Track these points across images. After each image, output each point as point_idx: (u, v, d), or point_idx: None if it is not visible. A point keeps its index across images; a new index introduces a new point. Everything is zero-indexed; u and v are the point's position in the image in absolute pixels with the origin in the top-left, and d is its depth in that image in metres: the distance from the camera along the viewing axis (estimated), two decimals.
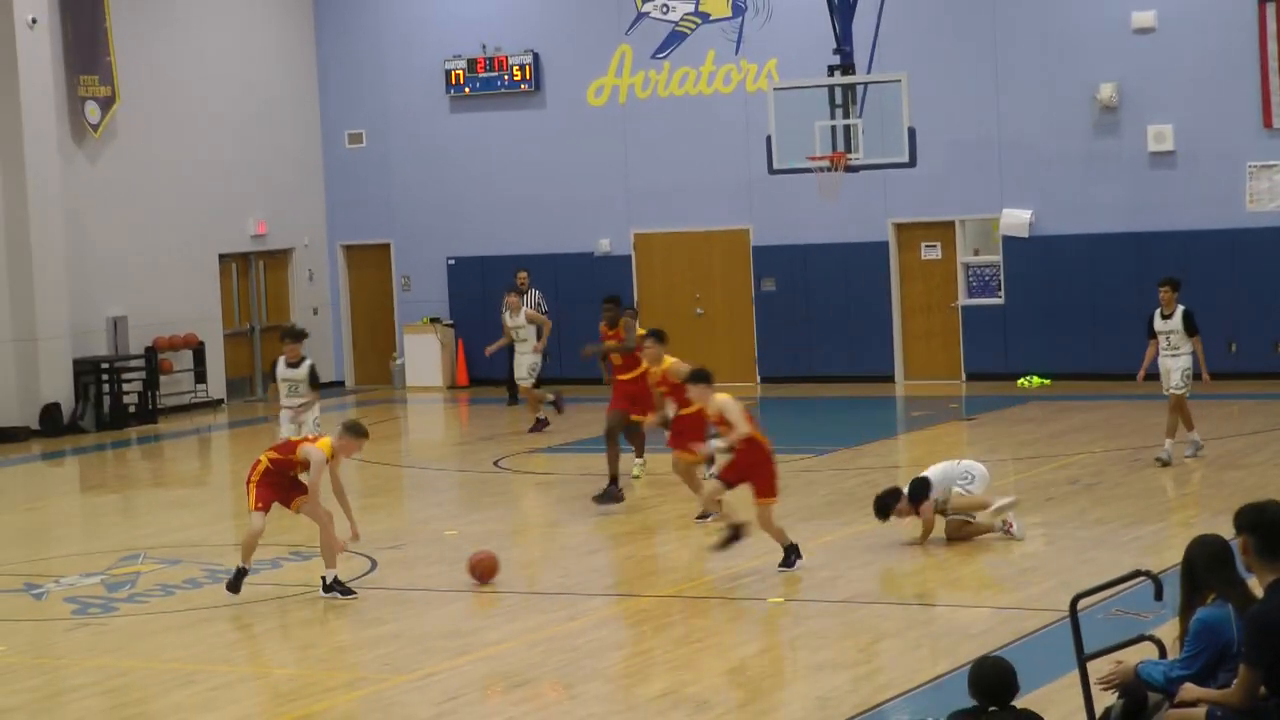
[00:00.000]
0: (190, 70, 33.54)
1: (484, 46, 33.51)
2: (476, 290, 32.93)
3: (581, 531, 20.73)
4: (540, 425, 27.08)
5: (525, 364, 27.15)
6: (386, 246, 35.14)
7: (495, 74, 33.50)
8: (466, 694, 12.91)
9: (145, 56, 32.60)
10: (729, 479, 15.59)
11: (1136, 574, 8.20)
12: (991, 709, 7.45)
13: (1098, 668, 7.61)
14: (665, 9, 31.78)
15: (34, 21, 29.93)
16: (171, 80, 33.15)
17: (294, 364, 21.67)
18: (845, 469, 22.81)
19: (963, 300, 29.84)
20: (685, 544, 19.08)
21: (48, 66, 30.45)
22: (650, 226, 32.91)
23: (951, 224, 29.95)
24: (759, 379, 31.40)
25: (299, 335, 21.09)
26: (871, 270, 30.80)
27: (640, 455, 22.12)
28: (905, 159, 26.82)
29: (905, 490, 16.68)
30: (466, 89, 33.96)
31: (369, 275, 35.75)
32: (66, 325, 30.59)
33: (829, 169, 27.09)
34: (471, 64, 33.53)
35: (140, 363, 31.66)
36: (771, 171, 27.79)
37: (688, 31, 31.96)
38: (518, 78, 33.30)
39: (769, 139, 27.37)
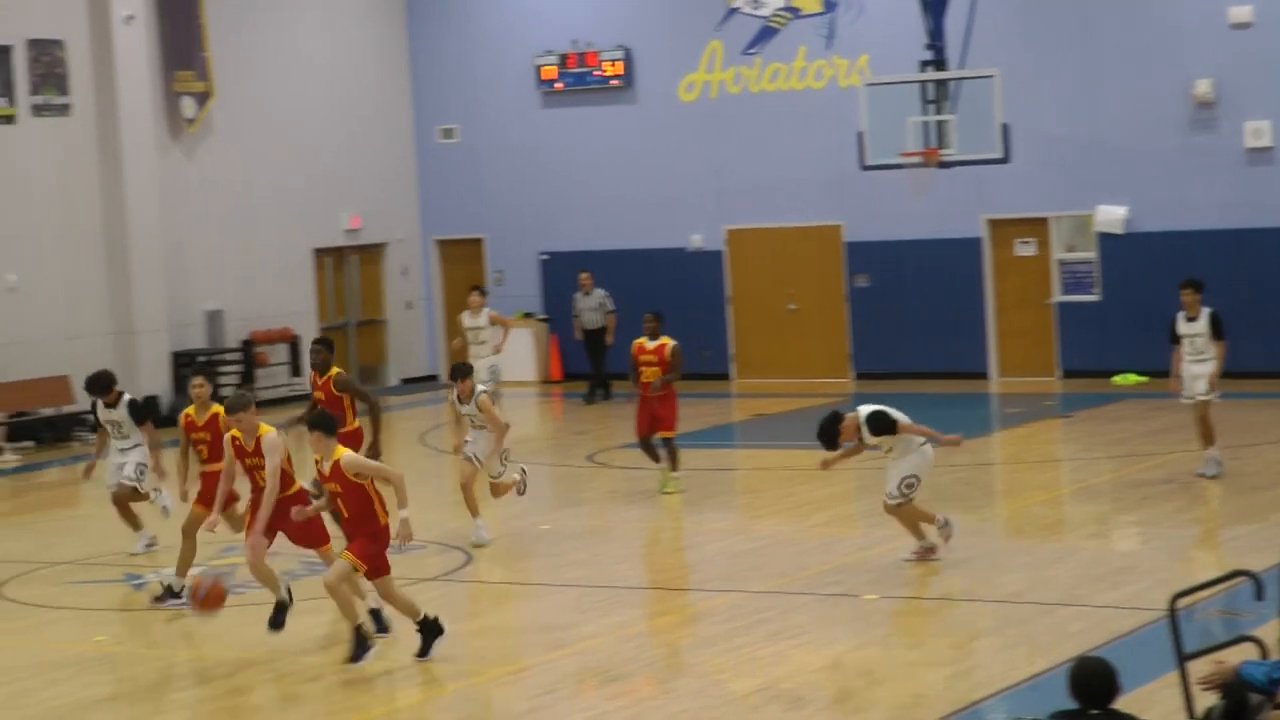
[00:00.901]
0: (284, 66, 33.95)
1: (575, 43, 33.69)
2: (569, 285, 32.65)
3: (674, 527, 20.88)
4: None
5: (484, 366, 26.74)
6: (479, 241, 35.36)
7: (586, 70, 33.67)
8: (561, 688, 12.98)
9: (240, 52, 32.98)
10: None
11: (1237, 574, 8.19)
12: (1093, 711, 7.27)
13: (1198, 668, 7.57)
14: (756, 4, 31.73)
15: (131, 18, 30.39)
16: (266, 76, 33.56)
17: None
18: (938, 465, 22.65)
19: (1057, 297, 29.76)
20: (779, 541, 18.86)
21: (144, 62, 30.84)
22: (743, 222, 32.76)
23: (1046, 220, 29.85)
24: (853, 374, 31.34)
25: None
26: (965, 266, 30.72)
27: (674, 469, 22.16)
28: (998, 155, 26.88)
29: (864, 420, 16.34)
30: (558, 85, 34.12)
31: (462, 270, 35.58)
32: (164, 319, 31.00)
33: (921, 165, 27.17)
34: (563, 60, 33.74)
35: (237, 356, 32.21)
36: (864, 168, 27.88)
37: (779, 27, 31.84)
38: (609, 73, 33.38)
39: (861, 135, 27.48)
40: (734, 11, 31.96)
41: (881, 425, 15.98)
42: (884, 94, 28.32)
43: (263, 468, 14.31)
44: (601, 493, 23.14)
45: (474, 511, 18.13)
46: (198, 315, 31.94)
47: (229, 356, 32.23)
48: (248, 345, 32.47)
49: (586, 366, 31.53)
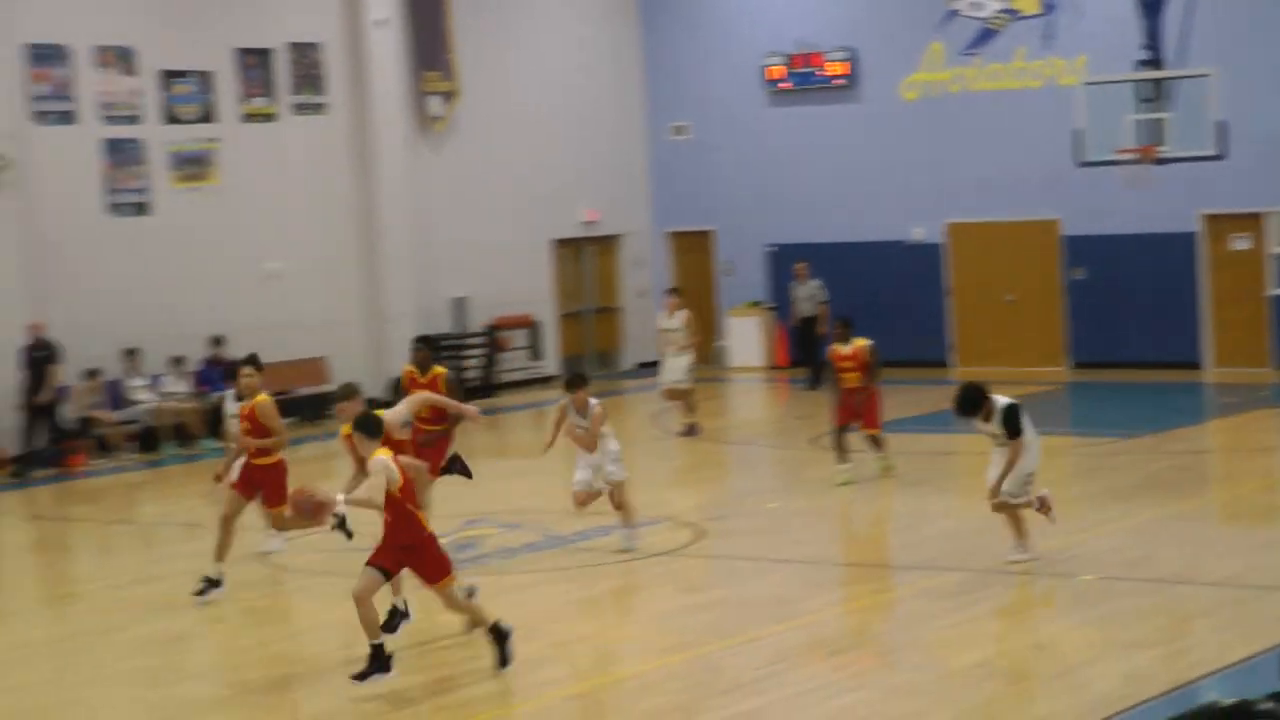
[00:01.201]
0: (525, 66, 34.95)
1: (800, 44, 34.28)
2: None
3: (894, 508, 21.44)
4: (691, 430, 27.41)
5: (680, 365, 27.46)
6: (709, 234, 36.29)
7: (811, 70, 34.33)
8: (788, 658, 13.52)
9: (483, 54, 34.10)
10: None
11: None
12: None
13: None
14: (976, 6, 32.13)
15: (382, 22, 31.90)
16: (507, 76, 34.62)
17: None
18: (1154, 453, 22.88)
19: (1273, 290, 29.81)
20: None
21: (394, 64, 32.34)
22: (963, 216, 33.16)
23: (1262, 216, 29.91)
24: (1069, 364, 31.57)
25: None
26: (1180, 260, 30.82)
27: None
28: (1214, 152, 27.40)
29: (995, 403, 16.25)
30: (784, 84, 34.76)
31: (693, 260, 36.80)
32: (413, 305, 32.28)
33: (1138, 162, 27.96)
34: (789, 60, 34.43)
35: (480, 340, 33.50)
36: (1080, 164, 28.65)
37: (998, 29, 32.33)
38: (833, 74, 33.99)
39: (1078, 133, 28.32)
40: (954, 14, 32.45)
41: (1012, 422, 16.05)
42: (1101, 93, 29.09)
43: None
44: (823, 475, 22.98)
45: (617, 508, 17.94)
46: (444, 302, 33.24)
47: (472, 341, 33.50)
48: (490, 330, 33.70)
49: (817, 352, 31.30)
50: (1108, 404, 29.71)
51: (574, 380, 17.92)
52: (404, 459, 13.32)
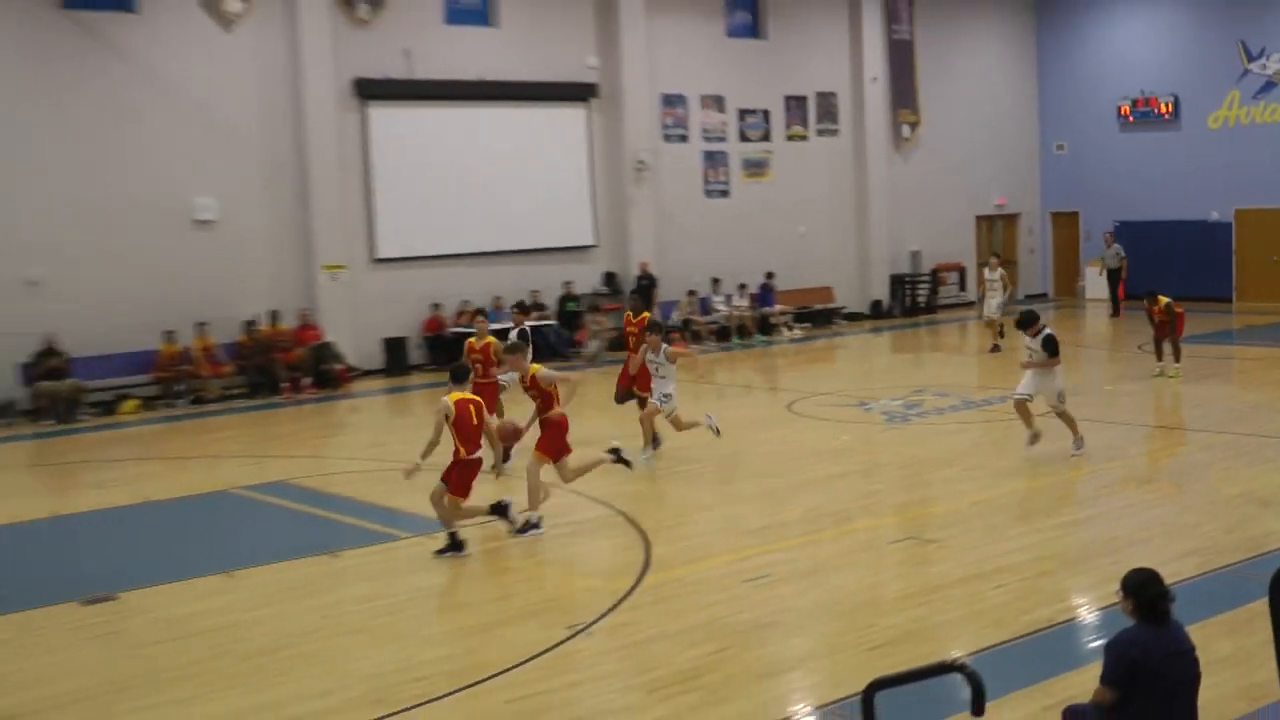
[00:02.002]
0: (960, 103, 42.07)
1: (1142, 91, 40.75)
2: (1133, 243, 38.97)
3: (1190, 392, 24.08)
4: (995, 349, 30.01)
5: (995, 304, 30.77)
6: (1075, 214, 43.05)
7: (1149, 109, 40.49)
8: (1111, 486, 16.50)
9: (935, 96, 41.58)
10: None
11: None
12: None
13: None
14: (1262, 66, 37.71)
15: (875, 79, 39.84)
16: (949, 110, 41.71)
17: None
18: None
19: None
20: (1260, 405, 21.99)
21: (881, 105, 40.25)
22: (1246, 204, 38.45)
23: None
24: None
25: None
26: None
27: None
28: None
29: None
30: (1130, 119, 40.88)
31: (1065, 232, 43.68)
32: (886, 254, 40.28)
33: None
34: (1134, 102, 40.92)
35: (927, 278, 40.60)
36: None
37: (1277, 82, 37.56)
38: (1163, 111, 40.08)
39: None
40: (1247, 72, 38.16)
41: (1050, 345, 17.98)
42: None
43: (538, 398, 16.01)
44: (1142, 371, 26.08)
45: (645, 440, 19.50)
46: (905, 253, 40.90)
47: (923, 278, 40.50)
48: (934, 272, 40.86)
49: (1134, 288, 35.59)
50: None
51: (1026, 318, 18.52)
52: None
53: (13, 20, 27.31)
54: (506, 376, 19.39)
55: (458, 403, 14.25)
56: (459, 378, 15.01)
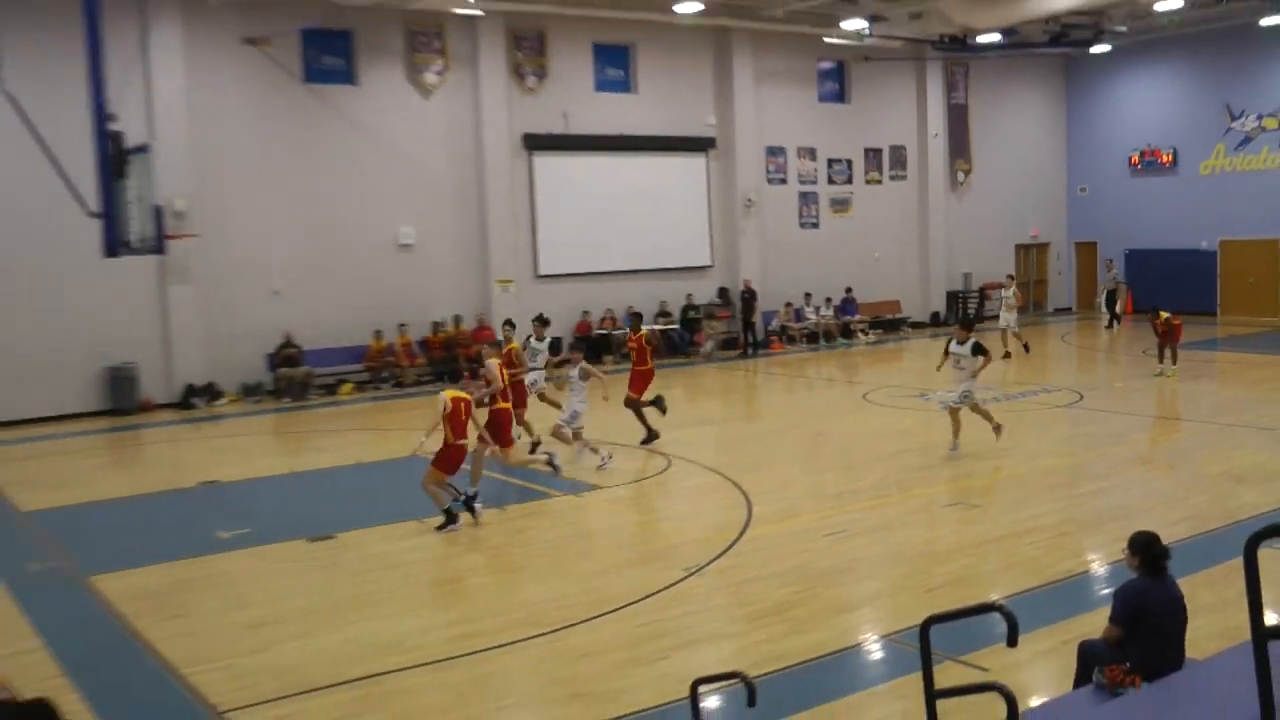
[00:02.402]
0: (1002, 154, 41.27)
1: (1148, 145, 39.87)
2: (1140, 268, 39.23)
3: (1183, 389, 23.36)
4: (1007, 356, 28.28)
5: (1011, 318, 29.74)
6: (1094, 243, 42.04)
7: (1154, 159, 39.87)
8: (1124, 466, 16.20)
9: (983, 147, 40.72)
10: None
11: None
12: None
13: None
14: (1242, 124, 36.64)
15: (935, 135, 38.95)
16: (994, 159, 41.04)
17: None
18: None
19: None
20: (1245, 400, 21.62)
21: (941, 156, 39.28)
22: (1230, 235, 37.32)
23: None
24: None
25: (543, 321, 20.77)
26: None
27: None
28: None
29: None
30: (1138, 166, 40.34)
31: (1086, 258, 42.57)
32: (944, 274, 39.60)
33: None
34: (1142, 153, 40.16)
35: (976, 294, 39.80)
36: None
37: (1254, 137, 36.71)
38: (1164, 160, 39.32)
39: None
40: (1230, 129, 37.62)
41: (979, 350, 16.93)
42: None
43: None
44: (1145, 370, 25.59)
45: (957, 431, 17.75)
46: (959, 273, 40.03)
47: (972, 294, 39.45)
48: (981, 289, 39.80)
49: (1114, 308, 36.15)
50: None
51: (967, 320, 18.26)
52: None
53: (268, 92, 28.35)
54: (531, 377, 18.72)
55: (453, 399, 13.89)
56: (454, 379, 14.85)
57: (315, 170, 29.28)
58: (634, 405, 18.39)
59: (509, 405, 15.63)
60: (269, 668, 9.90)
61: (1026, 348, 28.70)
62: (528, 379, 18.49)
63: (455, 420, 13.73)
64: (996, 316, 35.51)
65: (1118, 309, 36.54)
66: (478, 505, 14.07)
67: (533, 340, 19.37)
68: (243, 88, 28.27)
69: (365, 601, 11.49)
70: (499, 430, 15.34)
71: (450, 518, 13.79)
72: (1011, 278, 31.73)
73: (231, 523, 14.74)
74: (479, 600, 11.48)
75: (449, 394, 13.81)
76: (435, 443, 13.82)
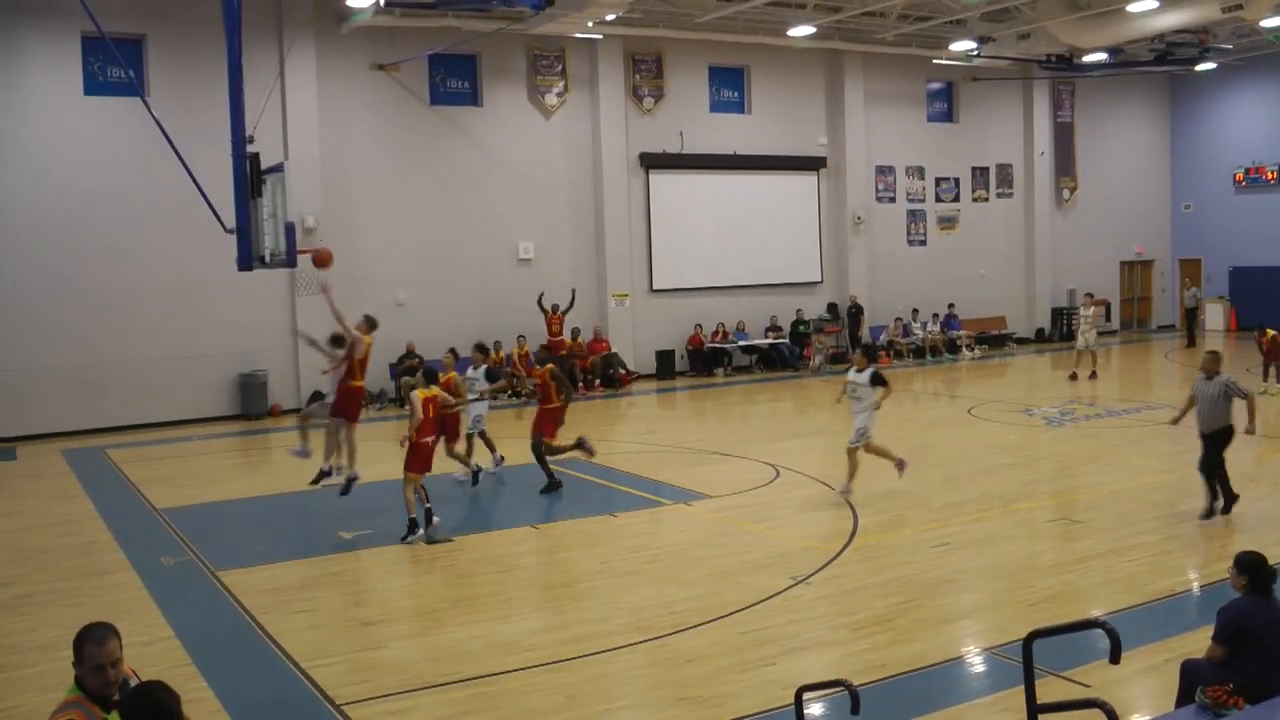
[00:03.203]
0: (1108, 169, 40.92)
1: (1254, 162, 39.45)
2: (1246, 284, 38.86)
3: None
4: (1073, 377, 27.36)
5: (1090, 337, 28.37)
6: (1199, 260, 41.48)
7: (1259, 175, 38.96)
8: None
9: (1089, 164, 40.31)
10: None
11: None
12: None
13: None
14: None
15: (1042, 153, 38.88)
16: (1099, 175, 40.65)
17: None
18: None
19: None
20: None
21: (1047, 173, 38.80)
22: None
23: None
24: None
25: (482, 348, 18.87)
26: None
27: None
28: None
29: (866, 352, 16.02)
30: (1243, 183, 39.41)
31: (1190, 274, 41.59)
32: (1049, 290, 39.40)
33: None
34: (1247, 170, 39.46)
35: (1074, 310, 36.46)
36: None
37: None
38: (1269, 177, 38.48)
39: None
40: None
41: (877, 380, 15.59)
42: None
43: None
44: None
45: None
46: (1064, 290, 39.28)
47: (1076, 311, 34.66)
48: (1071, 301, 38.73)
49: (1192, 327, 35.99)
50: None
51: (869, 350, 17.80)
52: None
53: (395, 114, 28.99)
54: (474, 413, 17.84)
55: (424, 399, 13.82)
56: (429, 376, 14.65)
57: (439, 188, 29.75)
58: (538, 450, 16.64)
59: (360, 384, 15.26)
60: (386, 664, 9.99)
61: (1094, 374, 27.59)
62: (472, 414, 17.63)
63: (425, 418, 13.65)
64: (1103, 333, 35.63)
65: (1196, 329, 36.06)
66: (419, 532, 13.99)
67: (470, 369, 18.20)
68: (371, 110, 28.90)
69: (480, 603, 11.54)
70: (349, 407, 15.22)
71: (411, 527, 13.72)
72: (1090, 296, 30.96)
73: (354, 524, 14.90)
74: (591, 604, 11.44)
75: (420, 393, 13.67)
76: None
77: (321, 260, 14.67)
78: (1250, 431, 13.95)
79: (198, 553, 13.91)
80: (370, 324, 15.89)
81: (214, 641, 10.65)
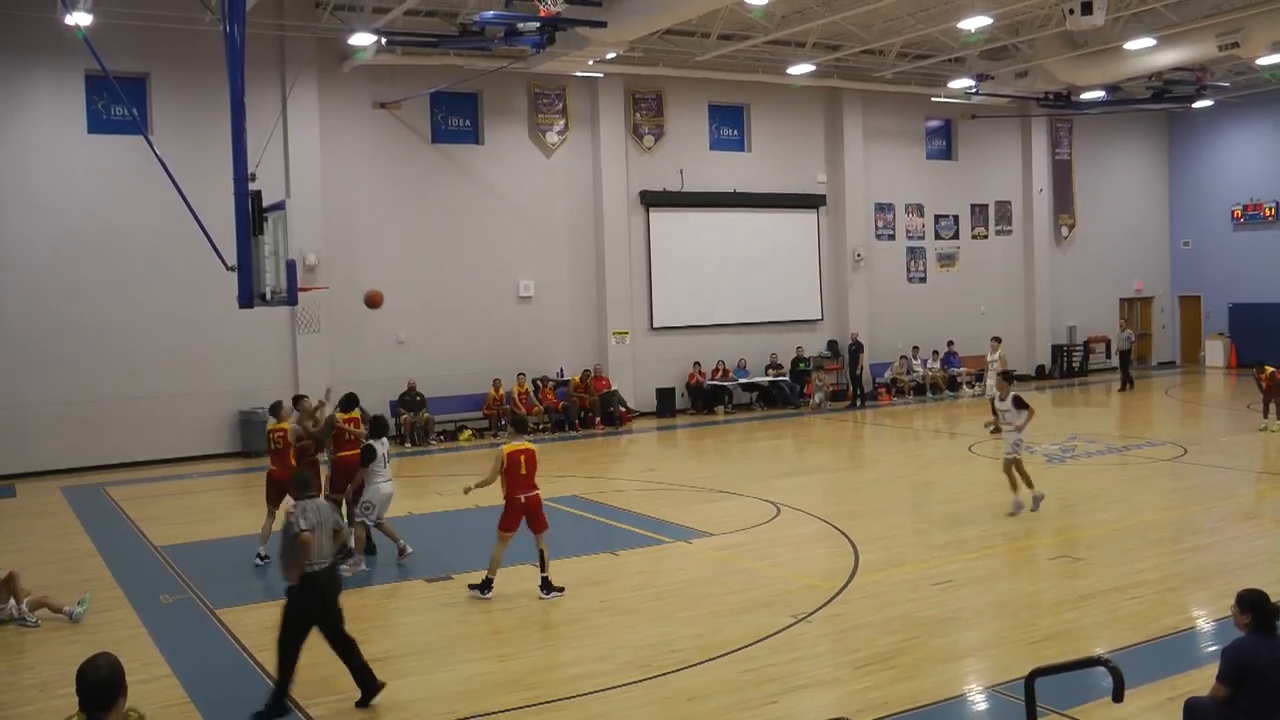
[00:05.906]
0: (1105, 209, 41.07)
1: (1251, 199, 39.80)
2: (1245, 320, 38.68)
3: None
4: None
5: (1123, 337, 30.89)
6: (1198, 297, 41.81)
7: (1257, 213, 39.43)
8: (1226, 521, 15.72)
9: (1087, 201, 40.63)
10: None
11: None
12: None
13: None
14: None
15: (1040, 191, 38.57)
16: (1098, 213, 40.68)
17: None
18: None
19: None
20: None
21: (1045, 210, 39.09)
22: None
23: None
24: None
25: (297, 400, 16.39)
26: None
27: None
28: None
29: None
30: (1240, 220, 39.66)
31: (1190, 311, 42.18)
32: (1048, 327, 39.08)
33: None
34: (1244, 208, 39.60)
35: (1080, 348, 39.60)
36: None
37: None
38: (1268, 215, 38.80)
39: None
40: None
41: (1020, 402, 16.40)
42: None
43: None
44: (1250, 425, 25.33)
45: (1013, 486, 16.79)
46: (1064, 327, 39.97)
47: (1076, 348, 39.25)
48: (1086, 343, 39.67)
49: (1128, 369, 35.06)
50: None
51: (347, 401, 15.36)
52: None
53: (396, 152, 29.06)
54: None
55: (508, 453, 12.92)
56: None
57: (440, 225, 29.83)
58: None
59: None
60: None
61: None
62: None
63: (512, 474, 12.78)
64: (1102, 369, 37.63)
65: (1131, 371, 35.48)
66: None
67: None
68: (373, 148, 29.00)
69: (481, 641, 11.52)
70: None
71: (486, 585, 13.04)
72: (997, 340, 30.80)
73: (353, 562, 14.64)
74: (591, 642, 11.33)
75: (507, 448, 12.81)
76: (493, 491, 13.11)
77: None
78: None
79: (196, 591, 13.89)
80: (348, 402, 15.35)
81: (212, 680, 10.60)
